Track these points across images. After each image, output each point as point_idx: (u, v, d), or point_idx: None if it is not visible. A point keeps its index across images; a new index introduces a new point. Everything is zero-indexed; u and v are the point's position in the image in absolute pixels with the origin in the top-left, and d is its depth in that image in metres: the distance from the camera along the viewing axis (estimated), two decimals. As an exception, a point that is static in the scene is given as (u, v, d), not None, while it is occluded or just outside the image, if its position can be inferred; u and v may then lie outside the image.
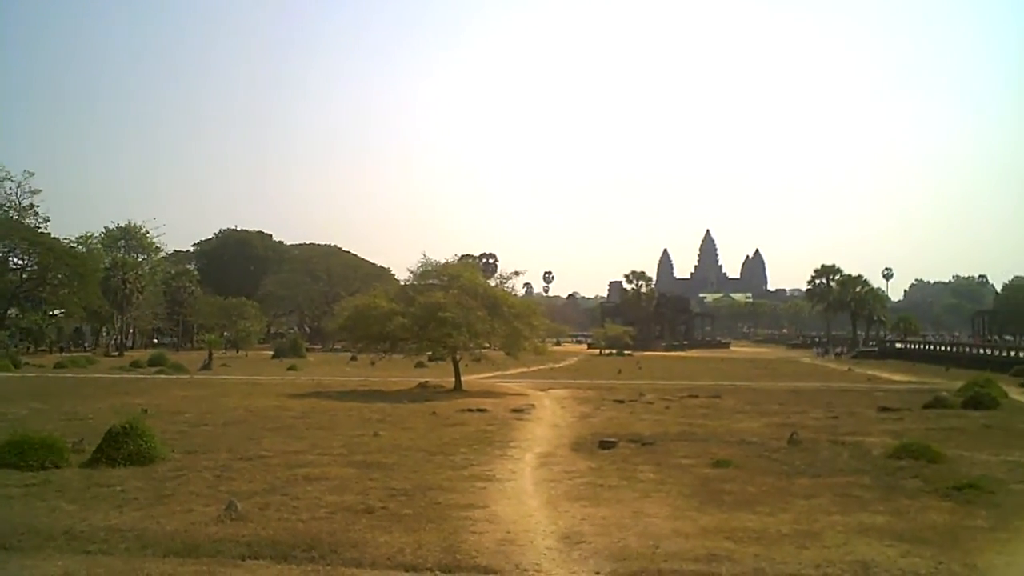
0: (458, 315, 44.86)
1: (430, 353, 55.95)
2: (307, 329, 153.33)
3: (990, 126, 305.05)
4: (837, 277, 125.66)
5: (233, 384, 52.43)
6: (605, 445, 25.58)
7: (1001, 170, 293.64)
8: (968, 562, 13.79)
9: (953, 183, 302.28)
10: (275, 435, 27.54)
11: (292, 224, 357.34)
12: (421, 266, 50.90)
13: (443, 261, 51.75)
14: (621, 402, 40.94)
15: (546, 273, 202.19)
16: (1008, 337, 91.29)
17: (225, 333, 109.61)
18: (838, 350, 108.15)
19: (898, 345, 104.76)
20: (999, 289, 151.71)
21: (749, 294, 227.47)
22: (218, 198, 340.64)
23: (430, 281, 49.93)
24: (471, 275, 50.92)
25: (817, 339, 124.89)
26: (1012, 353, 72.81)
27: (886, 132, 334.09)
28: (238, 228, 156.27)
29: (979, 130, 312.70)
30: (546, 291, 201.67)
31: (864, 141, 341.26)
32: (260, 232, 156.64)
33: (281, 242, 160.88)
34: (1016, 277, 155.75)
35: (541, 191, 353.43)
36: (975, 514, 17.38)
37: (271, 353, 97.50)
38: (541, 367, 67.36)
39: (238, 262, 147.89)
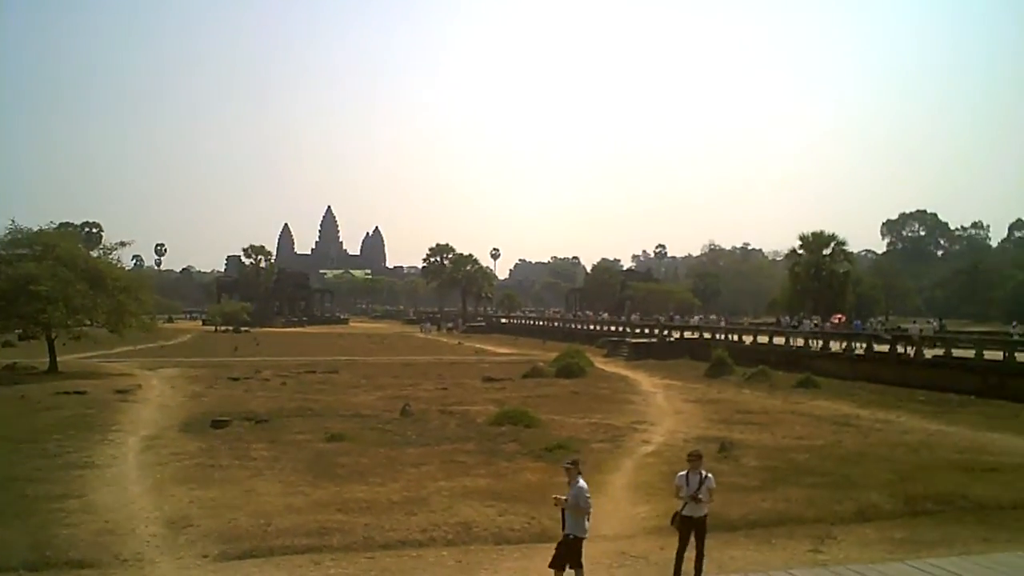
0: (54, 289, 40.56)
1: (19, 331, 49.94)
2: None
3: (578, 124, 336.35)
4: (450, 256, 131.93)
5: None
6: (218, 424, 24.82)
7: (578, 165, 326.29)
8: (556, 516, 15.23)
9: (548, 176, 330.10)
10: None
11: None
12: (9, 234, 45.06)
13: (36, 229, 46.34)
14: (236, 379, 39.87)
15: (158, 245, 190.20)
16: (604, 314, 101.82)
17: None
18: (449, 324, 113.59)
19: (503, 320, 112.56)
20: (589, 270, 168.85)
21: (369, 271, 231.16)
22: None
23: (20, 251, 44.46)
24: (69, 245, 46.31)
25: (430, 315, 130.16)
26: (598, 327, 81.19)
27: (508, 122, 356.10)
28: None
29: (571, 131, 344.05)
30: (158, 264, 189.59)
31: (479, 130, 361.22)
32: None
33: None
34: (603, 259, 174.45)
35: (156, 156, 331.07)
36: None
37: None
38: (151, 345, 63.42)
39: None
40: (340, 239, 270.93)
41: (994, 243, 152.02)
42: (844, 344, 46.42)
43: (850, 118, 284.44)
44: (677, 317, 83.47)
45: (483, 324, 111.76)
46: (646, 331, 68.51)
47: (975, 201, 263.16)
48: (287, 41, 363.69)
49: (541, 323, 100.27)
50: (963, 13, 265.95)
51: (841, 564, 11.94)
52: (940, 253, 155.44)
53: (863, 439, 24.51)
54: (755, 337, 55.35)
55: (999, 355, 36.40)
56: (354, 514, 14.70)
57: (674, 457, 21.19)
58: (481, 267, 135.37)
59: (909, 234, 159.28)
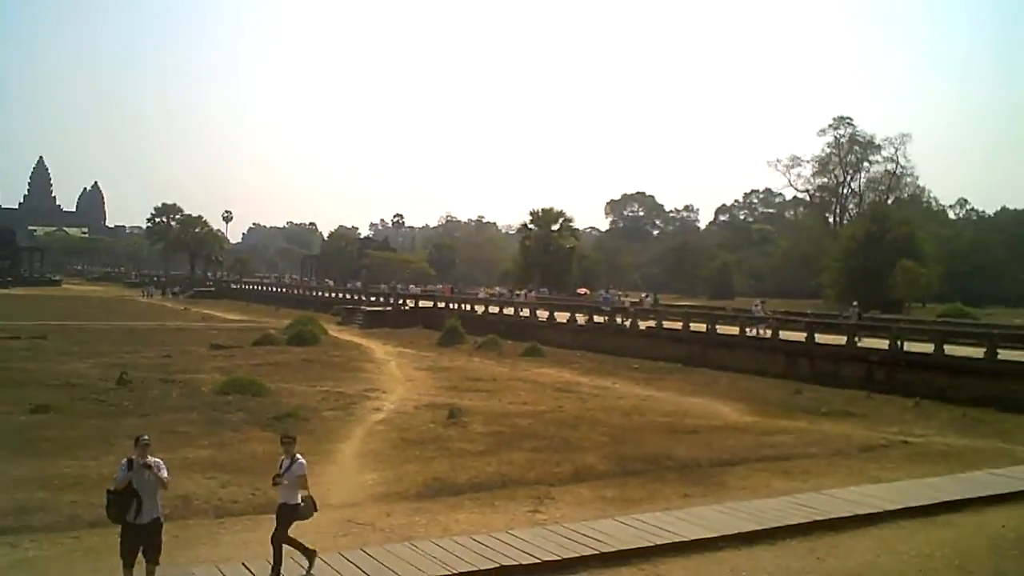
0: None
1: None
2: None
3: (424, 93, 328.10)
4: (178, 216, 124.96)
5: None
6: None
7: (315, 130, 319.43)
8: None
9: (284, 139, 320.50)
10: None
11: None
12: None
13: None
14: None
15: None
16: (329, 281, 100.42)
17: None
18: (175, 289, 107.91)
19: (234, 285, 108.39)
20: (326, 237, 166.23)
21: (86, 229, 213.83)
22: None
23: None
24: None
25: (155, 278, 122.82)
26: (333, 294, 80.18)
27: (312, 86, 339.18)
28: None
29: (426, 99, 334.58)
30: None
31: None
32: None
33: None
34: (340, 226, 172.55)
35: None
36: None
37: None
38: None
39: None
40: (53, 194, 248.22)
41: (703, 225, 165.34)
42: (568, 315, 48.80)
43: (579, 104, 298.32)
44: (412, 287, 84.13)
45: (212, 289, 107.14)
46: (381, 299, 68.58)
47: (687, 186, 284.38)
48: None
49: (275, 289, 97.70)
50: (692, 9, 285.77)
51: (557, 523, 12.59)
52: (656, 232, 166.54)
53: (582, 404, 25.97)
54: (486, 307, 56.98)
55: (703, 327, 39.77)
56: (59, 491, 13.69)
57: (404, 424, 21.52)
58: (211, 230, 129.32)
59: (629, 214, 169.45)
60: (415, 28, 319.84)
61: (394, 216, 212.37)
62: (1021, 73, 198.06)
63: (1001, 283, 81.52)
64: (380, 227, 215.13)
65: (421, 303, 64.18)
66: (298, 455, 10.11)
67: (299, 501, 10.11)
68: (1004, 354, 28.34)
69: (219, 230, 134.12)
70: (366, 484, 15.41)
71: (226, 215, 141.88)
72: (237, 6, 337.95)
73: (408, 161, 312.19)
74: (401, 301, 65.52)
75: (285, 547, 10.01)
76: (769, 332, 36.66)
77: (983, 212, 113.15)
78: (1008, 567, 11.19)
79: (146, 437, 9.47)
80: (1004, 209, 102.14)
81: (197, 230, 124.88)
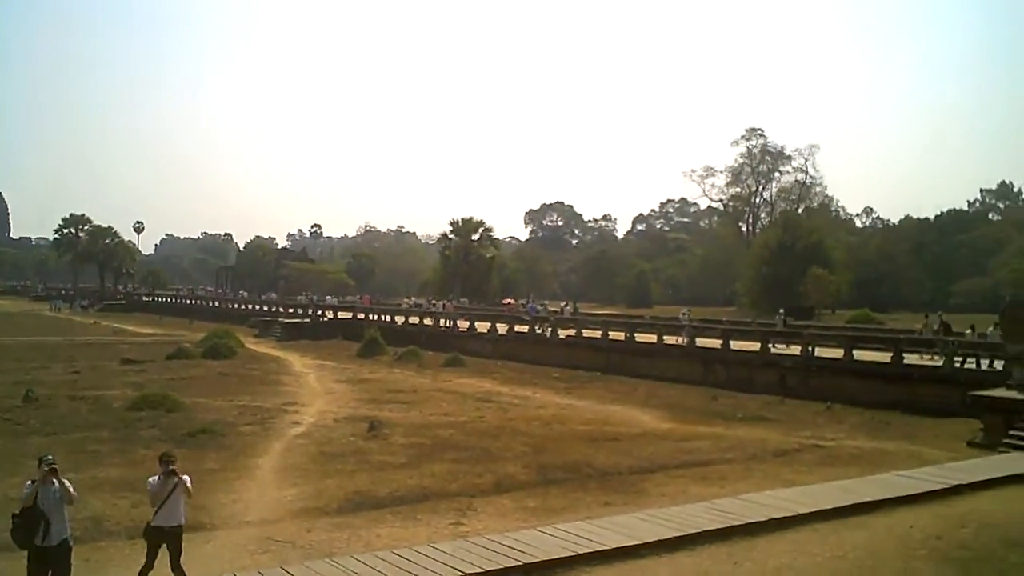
0: None
1: None
2: None
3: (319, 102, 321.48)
4: (87, 227, 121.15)
5: None
6: None
7: (230, 139, 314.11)
8: (197, 503, 14.52)
9: (201, 148, 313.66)
10: None
11: None
12: None
13: None
14: None
15: None
16: (243, 292, 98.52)
17: None
18: (84, 302, 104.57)
19: (146, 298, 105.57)
20: (242, 247, 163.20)
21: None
22: None
23: None
24: None
25: (64, 291, 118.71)
26: (250, 306, 78.74)
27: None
28: None
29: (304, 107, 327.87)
30: None
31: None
32: None
33: None
34: (257, 237, 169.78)
35: None
36: (207, 457, 18.54)
37: None
38: None
39: None
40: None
41: (620, 234, 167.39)
42: (488, 325, 48.85)
43: (498, 113, 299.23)
44: (328, 298, 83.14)
45: (123, 302, 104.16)
46: (299, 311, 67.65)
47: (606, 195, 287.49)
48: None
49: (189, 302, 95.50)
50: (608, 20, 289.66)
51: (480, 534, 12.57)
52: (575, 242, 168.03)
53: (503, 414, 26.02)
54: (407, 318, 56.69)
55: (622, 336, 40.23)
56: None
57: (324, 438, 21.25)
58: (122, 241, 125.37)
59: (548, 223, 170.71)
60: (329, 32, 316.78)
61: (312, 226, 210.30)
62: (924, 86, 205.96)
63: (905, 289, 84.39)
64: (298, 237, 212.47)
65: (340, 314, 63.52)
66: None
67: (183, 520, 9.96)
68: (909, 358, 29.39)
69: (130, 241, 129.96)
70: (285, 500, 15.16)
71: (137, 226, 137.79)
72: (142, 6, 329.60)
73: (326, 170, 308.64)
74: (320, 312, 64.74)
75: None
76: (685, 340, 37.30)
77: (888, 221, 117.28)
78: (917, 566, 11.56)
79: (50, 457, 9.15)
80: (907, 218, 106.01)
81: (107, 241, 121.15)
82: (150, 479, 9.96)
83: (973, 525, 13.48)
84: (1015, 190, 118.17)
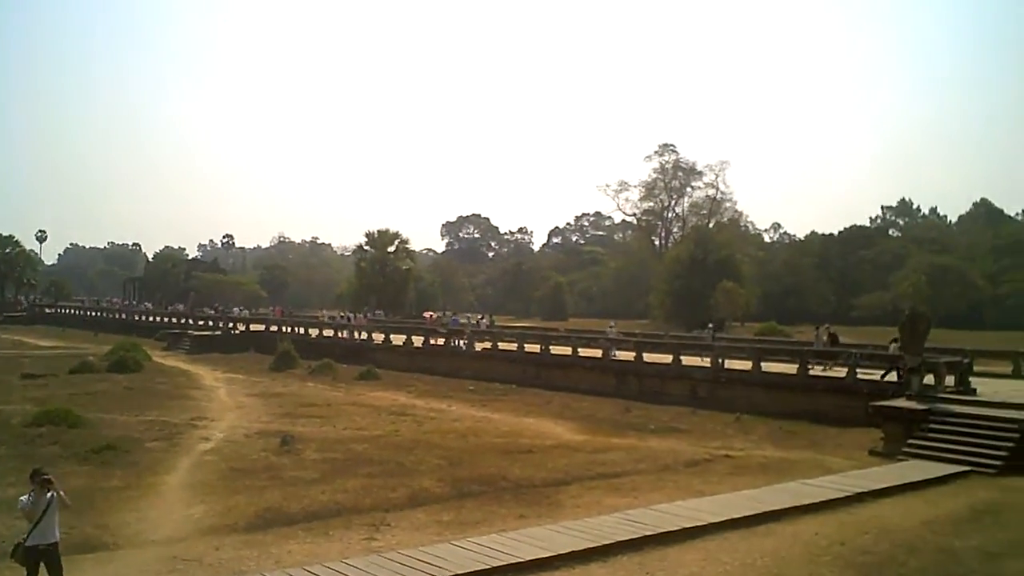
0: None
1: None
2: None
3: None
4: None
5: None
6: None
7: (139, 143, 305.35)
8: (100, 522, 14.23)
9: (106, 153, 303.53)
10: None
11: None
12: None
13: None
14: None
15: None
16: (148, 304, 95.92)
17: None
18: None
19: (49, 310, 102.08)
20: (151, 257, 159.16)
21: None
22: None
23: None
24: None
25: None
26: (158, 318, 76.75)
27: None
28: None
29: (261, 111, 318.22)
30: None
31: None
32: None
33: None
34: (166, 247, 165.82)
35: None
36: (111, 474, 18.03)
37: None
38: None
39: None
40: None
41: (536, 247, 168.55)
42: (404, 337, 48.58)
43: (415, 125, 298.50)
44: (236, 309, 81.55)
45: (24, 314, 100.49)
46: (210, 323, 66.22)
47: (522, 208, 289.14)
48: None
49: (94, 313, 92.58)
50: (524, 31, 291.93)
51: (393, 549, 12.47)
52: (491, 254, 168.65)
53: (418, 428, 25.91)
54: (321, 330, 56.02)
55: (537, 348, 40.45)
56: None
57: (234, 454, 20.85)
58: (23, 250, 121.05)
59: (465, 235, 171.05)
60: (237, 36, 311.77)
61: (224, 236, 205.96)
62: (828, 104, 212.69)
63: (811, 302, 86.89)
64: (209, 248, 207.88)
65: (253, 327, 62.38)
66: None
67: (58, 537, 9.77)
68: (814, 370, 30.27)
69: (32, 250, 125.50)
70: (193, 518, 14.82)
71: (40, 235, 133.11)
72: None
73: (239, 180, 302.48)
74: (231, 325, 63.47)
75: None
76: (601, 352, 37.67)
77: (795, 236, 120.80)
78: (821, 572, 11.89)
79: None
80: (813, 233, 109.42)
81: (7, 251, 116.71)
82: (22, 497, 9.73)
83: (874, 531, 13.97)
84: (914, 207, 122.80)
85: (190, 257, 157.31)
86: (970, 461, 19.64)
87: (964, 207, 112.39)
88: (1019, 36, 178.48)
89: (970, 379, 26.46)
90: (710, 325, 46.02)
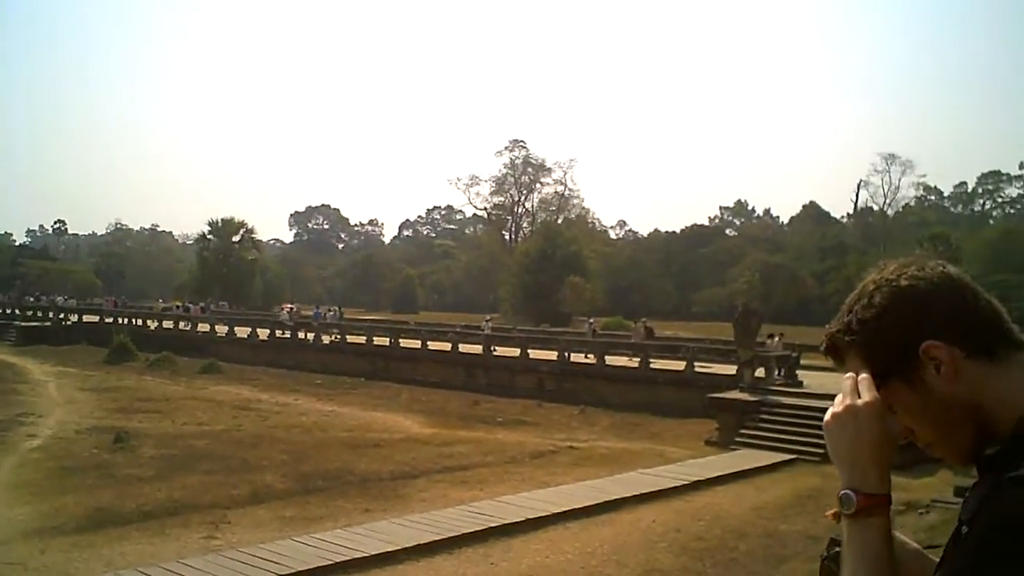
0: None
1: None
2: None
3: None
4: None
5: None
6: None
7: None
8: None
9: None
10: None
11: None
12: None
13: None
14: None
15: None
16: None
17: None
18: None
19: None
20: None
21: None
22: None
23: None
24: None
25: None
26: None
27: None
28: None
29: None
30: None
31: None
32: None
33: None
34: (5, 233, 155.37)
35: None
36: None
37: None
38: None
39: None
40: None
41: (387, 239, 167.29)
42: (249, 330, 47.34)
43: (260, 112, 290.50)
44: (59, 299, 76.95)
45: None
46: (39, 314, 62.56)
47: (372, 200, 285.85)
48: None
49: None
50: (377, 24, 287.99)
51: (233, 547, 12.18)
52: (341, 246, 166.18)
53: (262, 422, 25.33)
54: (160, 322, 53.88)
55: (387, 341, 40.23)
56: None
57: (63, 451, 19.85)
58: None
59: (314, 226, 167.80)
60: (74, 18, 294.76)
61: (56, 222, 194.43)
62: (671, 105, 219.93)
63: (654, 298, 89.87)
64: (39, 234, 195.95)
65: (86, 318, 59.32)
66: None
67: None
68: (655, 363, 31.37)
69: None
70: (16, 519, 14.01)
71: None
72: None
73: (72, 162, 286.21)
74: (62, 316, 60.13)
75: None
76: (449, 345, 37.76)
77: (639, 233, 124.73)
78: (658, 557, 12.39)
79: None
80: (656, 231, 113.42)
81: None
82: None
83: (708, 518, 14.65)
84: (749, 208, 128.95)
85: (17, 243, 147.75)
86: (797, 450, 20.78)
87: (795, 209, 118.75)
88: (841, 53, 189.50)
89: (797, 372, 28.04)
90: (591, 321, 46.72)
